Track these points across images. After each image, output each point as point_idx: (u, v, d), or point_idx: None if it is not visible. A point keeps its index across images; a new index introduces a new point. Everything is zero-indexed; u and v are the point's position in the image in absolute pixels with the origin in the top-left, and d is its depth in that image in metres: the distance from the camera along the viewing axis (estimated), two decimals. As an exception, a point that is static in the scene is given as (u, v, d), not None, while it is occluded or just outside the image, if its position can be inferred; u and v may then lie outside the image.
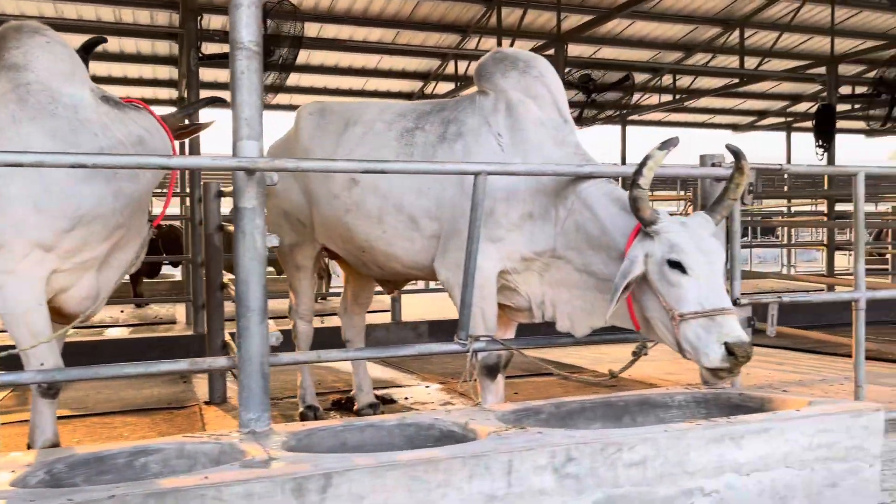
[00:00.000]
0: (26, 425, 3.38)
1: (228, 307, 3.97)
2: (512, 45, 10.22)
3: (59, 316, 3.24)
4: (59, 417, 4.51)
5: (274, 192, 4.01)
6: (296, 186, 3.80)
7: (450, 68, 12.77)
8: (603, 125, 15.64)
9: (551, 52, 9.51)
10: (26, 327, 2.98)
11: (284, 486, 2.02)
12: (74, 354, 5.25)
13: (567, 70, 9.69)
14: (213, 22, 9.63)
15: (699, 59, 12.95)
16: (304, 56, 12.34)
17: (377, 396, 4.75)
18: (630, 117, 15.54)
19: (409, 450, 2.82)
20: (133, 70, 11.75)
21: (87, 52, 3.38)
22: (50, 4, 9.35)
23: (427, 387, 5.25)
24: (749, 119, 17.19)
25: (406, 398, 4.85)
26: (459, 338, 3.11)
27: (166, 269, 12.54)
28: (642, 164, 2.73)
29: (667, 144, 2.76)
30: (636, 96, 14.84)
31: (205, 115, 4.04)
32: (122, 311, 10.04)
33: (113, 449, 2.57)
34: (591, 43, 11.42)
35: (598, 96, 9.47)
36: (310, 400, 4.15)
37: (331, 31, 11.45)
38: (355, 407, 4.18)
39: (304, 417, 4.09)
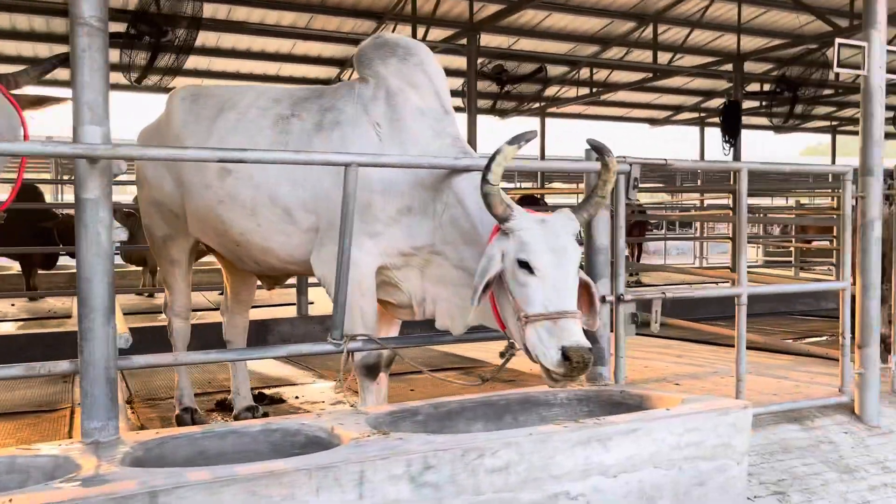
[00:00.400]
0: None
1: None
2: (426, 33, 10.09)
3: None
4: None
5: (145, 181, 3.76)
6: (168, 176, 3.56)
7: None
8: (521, 117, 15.73)
9: (464, 41, 9.41)
10: None
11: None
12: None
13: (481, 61, 9.62)
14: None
15: (615, 53, 13.12)
16: (213, 38, 11.91)
17: (264, 395, 4.57)
18: (549, 110, 15.65)
19: (274, 458, 2.68)
20: (27, 48, 11.14)
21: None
22: None
23: (322, 385, 5.09)
24: (665, 114, 17.57)
25: (297, 397, 4.67)
26: (333, 337, 2.96)
27: (64, 261, 11.89)
28: (491, 160, 2.65)
29: (518, 139, 2.70)
30: (554, 89, 14.97)
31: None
32: (12, 305, 9.47)
33: (-71, 465, 2.32)
34: (508, 34, 11.39)
35: (513, 88, 9.42)
36: (187, 402, 3.93)
37: (241, 13, 11.05)
38: (234, 412, 3.98)
39: (180, 421, 3.86)
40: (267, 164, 2.95)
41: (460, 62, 10.54)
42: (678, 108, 17.18)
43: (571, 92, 14.93)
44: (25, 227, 8.97)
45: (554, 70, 14.26)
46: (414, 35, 10.22)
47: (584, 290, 2.81)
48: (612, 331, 3.50)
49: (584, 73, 14.03)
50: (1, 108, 2.94)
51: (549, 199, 15.09)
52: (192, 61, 10.60)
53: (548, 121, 15.98)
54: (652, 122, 18.03)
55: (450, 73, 13.84)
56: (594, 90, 14.23)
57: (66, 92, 3.02)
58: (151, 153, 2.50)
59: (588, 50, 13.02)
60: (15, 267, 11.32)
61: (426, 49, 3.30)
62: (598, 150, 2.81)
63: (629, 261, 10.94)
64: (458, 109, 12.59)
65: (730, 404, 2.75)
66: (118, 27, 7.99)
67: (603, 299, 3.37)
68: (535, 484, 2.37)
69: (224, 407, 4.32)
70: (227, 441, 2.74)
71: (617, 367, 3.47)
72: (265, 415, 4.07)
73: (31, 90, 3.34)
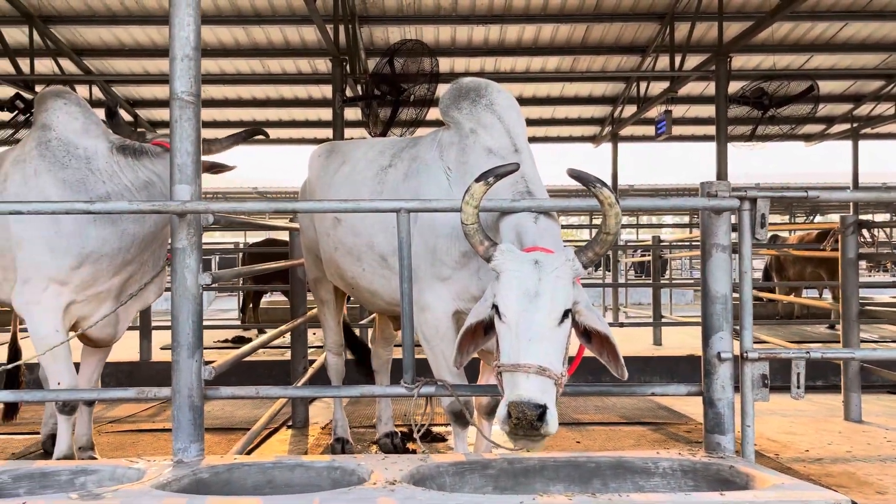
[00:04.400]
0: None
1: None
2: (682, 61, 9.53)
3: (88, 341, 3.69)
4: (157, 430, 5.10)
5: (301, 229, 4.19)
6: (312, 225, 3.93)
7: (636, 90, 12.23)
8: (828, 141, 13.91)
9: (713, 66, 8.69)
10: (47, 349, 3.43)
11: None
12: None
13: (742, 84, 8.76)
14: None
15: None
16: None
17: (430, 432, 4.68)
18: (863, 131, 13.59)
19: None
20: (299, 113, 13.14)
21: (112, 111, 3.78)
22: (228, 61, 10.76)
23: (423, 425, 5.05)
24: None
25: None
26: (405, 381, 2.98)
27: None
28: (462, 201, 2.50)
29: (486, 175, 2.49)
30: (867, 107, 13.00)
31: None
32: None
33: (59, 467, 2.86)
34: (764, 52, 10.20)
35: (776, 111, 8.41)
36: (340, 432, 4.22)
37: (506, 63, 11.60)
38: (376, 437, 4.18)
39: (332, 449, 4.17)
40: (328, 213, 3.10)
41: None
42: None
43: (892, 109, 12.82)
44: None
45: (864, 86, 12.45)
46: (671, 66, 9.73)
47: (599, 336, 2.52)
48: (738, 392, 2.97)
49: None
50: None
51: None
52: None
53: (862, 143, 13.87)
54: None
55: (704, 100, 12.92)
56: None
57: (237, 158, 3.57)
58: (214, 207, 2.81)
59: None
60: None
61: (497, 88, 3.20)
62: (581, 180, 2.46)
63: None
64: (708, 138, 11.78)
65: (815, 496, 2.17)
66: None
67: (719, 357, 2.90)
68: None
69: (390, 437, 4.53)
70: (294, 473, 2.91)
71: (744, 438, 2.92)
72: (405, 447, 4.20)
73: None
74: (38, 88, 10.34)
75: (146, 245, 3.58)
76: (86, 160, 3.50)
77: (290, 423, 5.19)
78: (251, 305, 11.84)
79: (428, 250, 2.99)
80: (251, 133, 3.99)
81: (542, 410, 2.25)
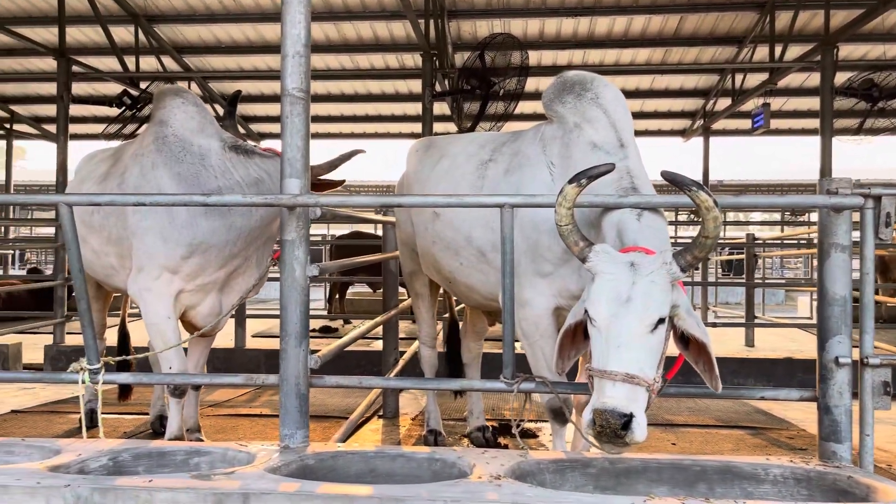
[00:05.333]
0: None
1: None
2: (783, 52, 9.13)
3: (192, 328, 3.85)
4: (254, 415, 5.27)
5: (398, 223, 4.24)
6: (408, 219, 3.97)
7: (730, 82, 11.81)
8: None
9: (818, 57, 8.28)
10: (159, 335, 3.60)
11: (206, 498, 2.20)
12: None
13: (850, 76, 8.34)
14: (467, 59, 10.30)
15: None
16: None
17: (520, 426, 4.67)
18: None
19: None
20: (385, 108, 13.22)
21: (231, 105, 3.95)
22: (318, 57, 10.96)
23: (524, 421, 4.98)
24: None
25: (551, 435, 4.67)
26: (505, 376, 2.98)
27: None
28: (556, 202, 2.47)
29: (579, 177, 2.43)
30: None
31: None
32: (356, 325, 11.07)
33: (176, 447, 2.99)
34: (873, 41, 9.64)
35: (886, 104, 7.95)
36: (433, 424, 4.26)
37: (595, 56, 11.41)
38: (466, 430, 4.20)
39: (424, 441, 4.21)
40: (429, 208, 3.12)
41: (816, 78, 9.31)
42: None
43: None
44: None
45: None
46: (771, 57, 9.34)
47: (696, 343, 2.43)
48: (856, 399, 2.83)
49: None
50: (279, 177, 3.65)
51: None
52: (527, 106, 11.38)
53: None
54: None
55: (805, 92, 12.30)
56: None
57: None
58: (324, 201, 2.87)
59: None
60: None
61: (603, 81, 3.13)
62: (676, 183, 2.36)
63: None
64: (808, 132, 11.21)
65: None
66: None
67: (837, 361, 2.77)
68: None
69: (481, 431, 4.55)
70: (396, 463, 2.96)
71: (862, 448, 2.79)
72: (496, 441, 4.19)
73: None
74: (142, 85, 10.85)
75: (252, 240, 3.70)
76: (200, 156, 3.64)
77: (380, 413, 5.28)
78: (336, 296, 12.12)
79: (529, 246, 2.97)
80: (350, 155, 4.07)
81: (627, 419, 2.21)
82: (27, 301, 12.45)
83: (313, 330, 10.55)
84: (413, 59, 10.25)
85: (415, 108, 12.64)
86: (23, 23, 9.93)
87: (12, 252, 19.07)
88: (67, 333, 8.45)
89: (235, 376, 3.13)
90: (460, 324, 4.47)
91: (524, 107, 11.22)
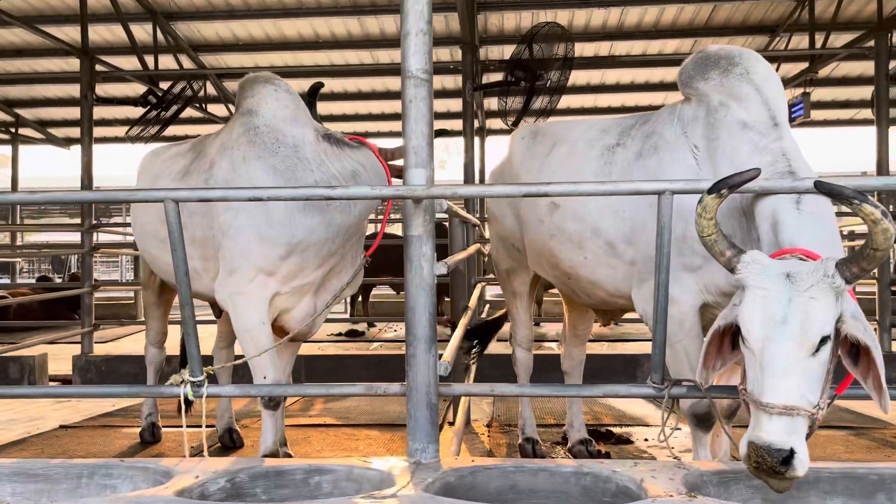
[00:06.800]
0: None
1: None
2: (826, 40, 8.92)
3: (283, 334, 3.58)
4: (320, 425, 5.00)
5: (493, 217, 3.97)
6: (509, 212, 3.71)
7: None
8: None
9: (871, 43, 8.06)
10: (252, 342, 3.32)
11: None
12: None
13: (896, 63, 8.12)
14: (492, 52, 10.04)
15: None
16: (613, 75, 12.22)
17: (612, 433, 4.43)
18: None
19: (584, 502, 2.60)
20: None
21: (312, 96, 3.68)
22: (338, 53, 10.67)
23: (678, 429, 4.74)
24: None
25: (646, 440, 4.43)
26: (653, 380, 2.73)
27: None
28: (696, 214, 2.26)
29: (718, 186, 2.22)
30: None
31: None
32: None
33: (293, 465, 2.73)
34: None
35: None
36: (529, 432, 4.00)
37: (622, 47, 11.18)
38: (568, 444, 3.93)
39: (522, 450, 3.95)
40: (574, 196, 2.87)
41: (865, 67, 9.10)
42: None
43: None
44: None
45: None
46: (811, 45, 9.13)
47: (867, 357, 2.15)
48: None
49: None
50: (378, 173, 3.40)
51: None
52: (565, 100, 11.10)
53: None
54: None
55: (849, 81, 12.04)
56: None
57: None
58: (462, 192, 2.61)
59: None
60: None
61: (754, 55, 2.89)
62: (836, 195, 2.12)
63: None
64: (853, 122, 10.94)
65: None
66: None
67: None
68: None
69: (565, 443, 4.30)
70: (538, 478, 2.71)
71: None
72: (600, 453, 3.94)
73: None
74: (161, 84, 10.53)
75: (349, 236, 3.44)
76: (294, 148, 3.36)
77: (451, 421, 5.03)
78: (360, 299, 11.82)
79: (675, 237, 2.71)
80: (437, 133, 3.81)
81: (786, 455, 2.00)
82: (37, 311, 12.11)
83: (339, 334, 10.27)
84: (449, 53, 9.96)
85: (444, 105, 12.34)
86: (45, 21, 9.62)
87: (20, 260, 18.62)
88: (95, 343, 8.15)
89: (354, 386, 2.87)
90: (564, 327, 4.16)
91: (566, 101, 10.96)
